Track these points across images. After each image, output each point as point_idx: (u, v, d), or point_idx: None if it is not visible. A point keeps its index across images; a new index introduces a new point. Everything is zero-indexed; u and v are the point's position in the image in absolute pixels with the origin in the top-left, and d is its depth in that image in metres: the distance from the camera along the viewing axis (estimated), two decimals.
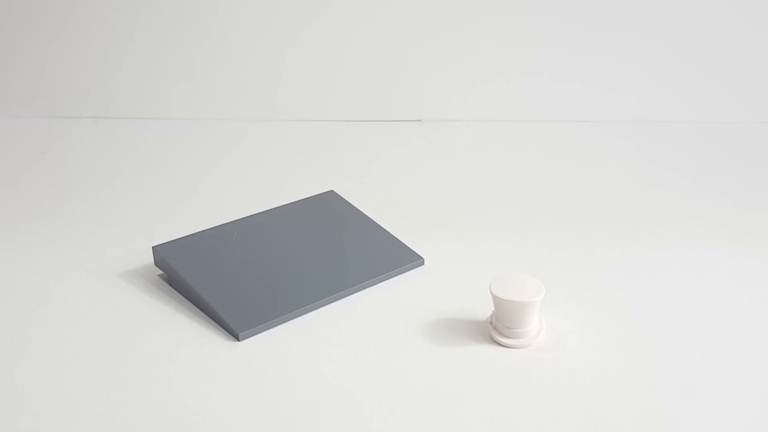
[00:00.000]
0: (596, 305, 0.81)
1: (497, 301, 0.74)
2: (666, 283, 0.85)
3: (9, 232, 0.97)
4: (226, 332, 0.78)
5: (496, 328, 0.76)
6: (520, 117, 1.28)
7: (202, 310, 0.81)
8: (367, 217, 0.95)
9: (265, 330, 0.78)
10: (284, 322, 0.79)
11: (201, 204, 1.04)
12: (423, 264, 0.89)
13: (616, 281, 0.85)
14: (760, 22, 1.27)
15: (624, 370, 0.72)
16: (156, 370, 0.73)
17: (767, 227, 0.96)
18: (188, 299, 0.83)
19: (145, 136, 1.25)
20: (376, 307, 0.82)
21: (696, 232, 0.95)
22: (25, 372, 0.73)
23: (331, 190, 0.99)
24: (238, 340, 0.77)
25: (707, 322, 0.78)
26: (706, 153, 1.17)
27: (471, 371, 0.72)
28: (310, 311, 0.81)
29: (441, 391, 0.70)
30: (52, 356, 0.75)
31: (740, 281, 0.85)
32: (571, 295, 0.83)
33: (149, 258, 0.89)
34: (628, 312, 0.80)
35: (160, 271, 0.87)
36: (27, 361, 0.74)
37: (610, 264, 0.89)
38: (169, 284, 0.85)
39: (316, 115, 1.30)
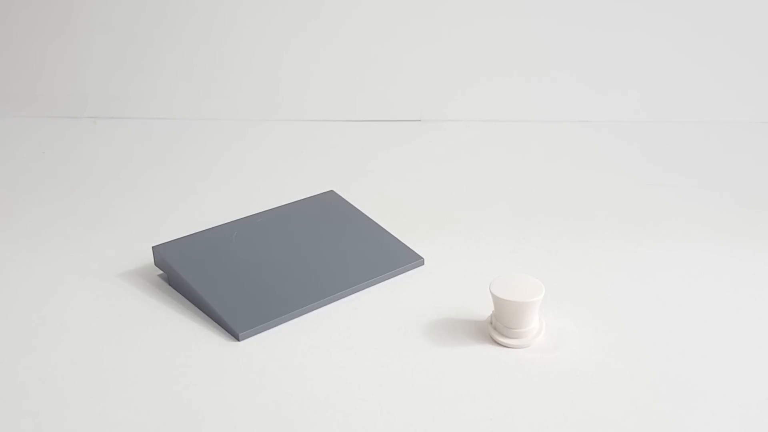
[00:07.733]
0: (596, 305, 0.81)
1: (497, 301, 0.74)
2: (666, 283, 0.85)
3: (9, 232, 0.97)
4: (226, 332, 0.78)
5: (496, 328, 0.76)
6: (519, 117, 1.28)
7: (202, 310, 0.81)
8: (367, 217, 0.95)
9: (265, 330, 0.78)
10: (284, 322, 0.79)
11: (201, 204, 1.04)
12: (423, 264, 0.89)
13: (616, 281, 0.85)
14: (761, 22, 1.27)
15: (624, 370, 0.72)
16: (156, 370, 0.73)
17: (767, 227, 0.96)
18: (188, 299, 0.83)
19: (145, 136, 1.25)
20: (376, 307, 0.82)
21: (696, 232, 0.95)
22: (26, 372, 0.73)
23: (331, 190, 0.99)
24: (238, 340, 0.77)
25: (707, 323, 0.78)
26: (707, 153, 1.17)
27: (471, 371, 0.72)
28: (310, 311, 0.81)
29: (441, 391, 0.70)
30: (52, 356, 0.75)
31: (740, 281, 0.85)
32: (571, 295, 0.83)
33: (149, 258, 0.89)
34: (628, 312, 0.80)
35: (160, 271, 0.87)
36: (27, 361, 0.74)
37: (610, 264, 0.89)
38: (169, 284, 0.85)
39: (315, 115, 1.30)
